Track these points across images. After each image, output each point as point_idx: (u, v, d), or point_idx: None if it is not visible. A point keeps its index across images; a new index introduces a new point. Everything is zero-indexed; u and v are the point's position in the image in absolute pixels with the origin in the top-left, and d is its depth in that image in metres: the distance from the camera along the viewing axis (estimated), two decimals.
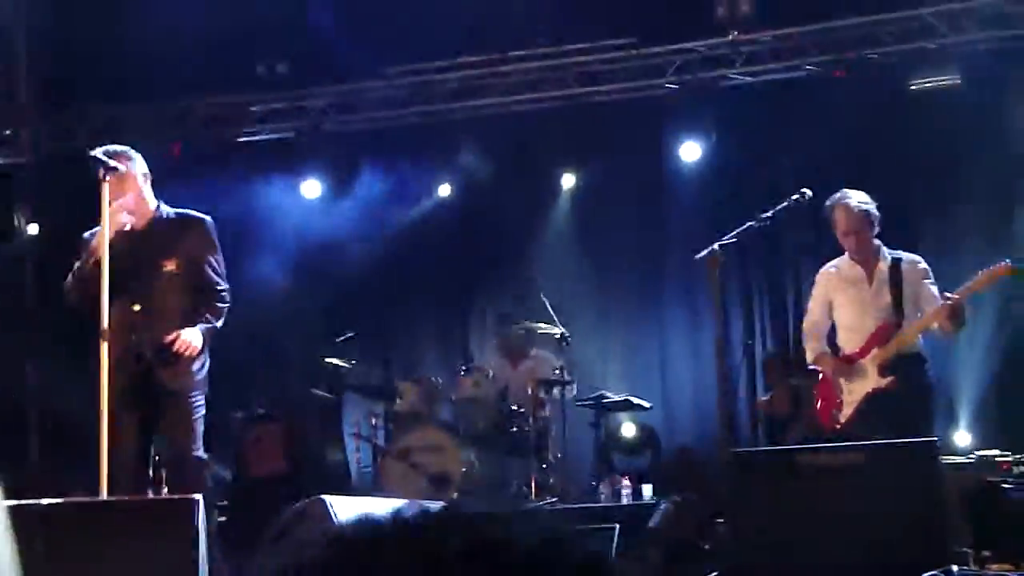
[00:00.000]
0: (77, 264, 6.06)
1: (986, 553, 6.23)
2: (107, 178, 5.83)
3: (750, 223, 6.63)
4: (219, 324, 6.06)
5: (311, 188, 11.50)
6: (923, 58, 10.05)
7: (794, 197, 6.75)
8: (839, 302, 6.96)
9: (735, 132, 10.85)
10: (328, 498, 5.41)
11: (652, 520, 7.14)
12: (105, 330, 5.70)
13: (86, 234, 6.15)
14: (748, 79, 10.57)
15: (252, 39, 10.94)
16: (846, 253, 6.98)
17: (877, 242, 7.00)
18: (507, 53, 11.02)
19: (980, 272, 6.62)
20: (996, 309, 9.87)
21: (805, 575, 5.28)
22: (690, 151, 10.82)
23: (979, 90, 9.95)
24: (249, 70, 11.15)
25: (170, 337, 5.83)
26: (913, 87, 10.04)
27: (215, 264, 6.10)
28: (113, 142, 6.36)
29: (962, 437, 9.73)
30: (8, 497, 3.27)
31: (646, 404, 9.99)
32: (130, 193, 6.04)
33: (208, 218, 6.19)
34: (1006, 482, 6.79)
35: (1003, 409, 9.79)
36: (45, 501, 5.10)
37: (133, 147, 7.79)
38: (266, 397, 10.24)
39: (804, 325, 7.18)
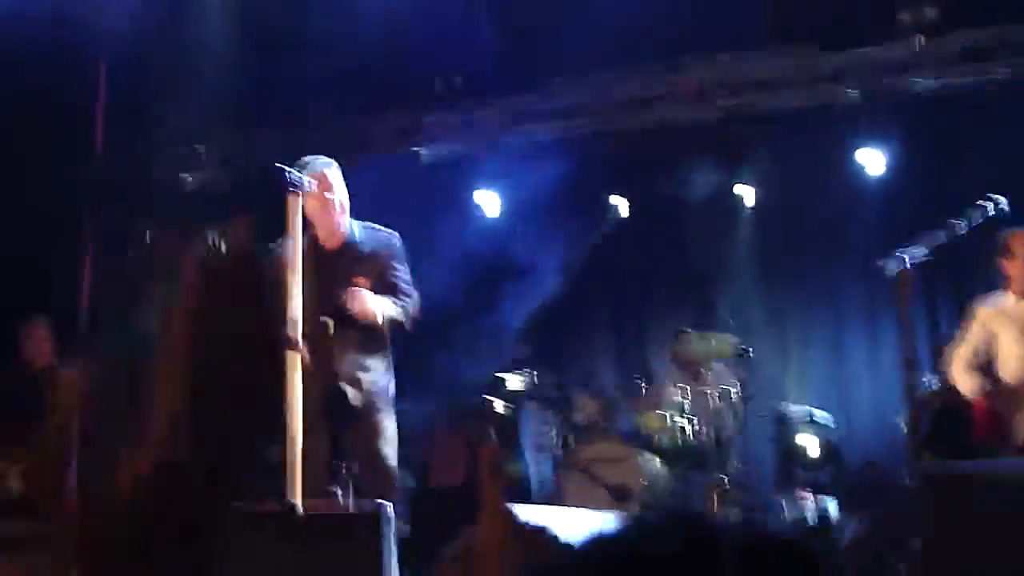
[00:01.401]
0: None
1: None
2: (294, 192, 5.98)
3: (940, 233, 6.39)
4: (404, 318, 6.09)
5: (489, 202, 11.60)
6: None
7: (984, 204, 6.49)
8: (1004, 340, 6.70)
9: (921, 141, 10.54)
10: (513, 507, 5.41)
11: (844, 539, 6.96)
12: (294, 339, 5.82)
13: (271, 244, 6.28)
14: (934, 85, 10.24)
15: (429, 53, 11.09)
16: (1010, 288, 6.66)
17: None
18: (680, 61, 10.92)
19: None
20: None
21: None
22: (873, 160, 10.53)
23: None
24: (427, 85, 11.33)
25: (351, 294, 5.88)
26: None
27: (402, 275, 6.19)
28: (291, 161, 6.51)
29: None
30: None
31: (828, 419, 9.78)
32: (330, 210, 6.19)
33: (396, 234, 6.30)
34: None
35: None
36: (241, 506, 5.25)
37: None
38: (446, 409, 10.34)
39: (959, 359, 6.88)
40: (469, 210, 11.52)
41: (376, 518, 5.01)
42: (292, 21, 10.89)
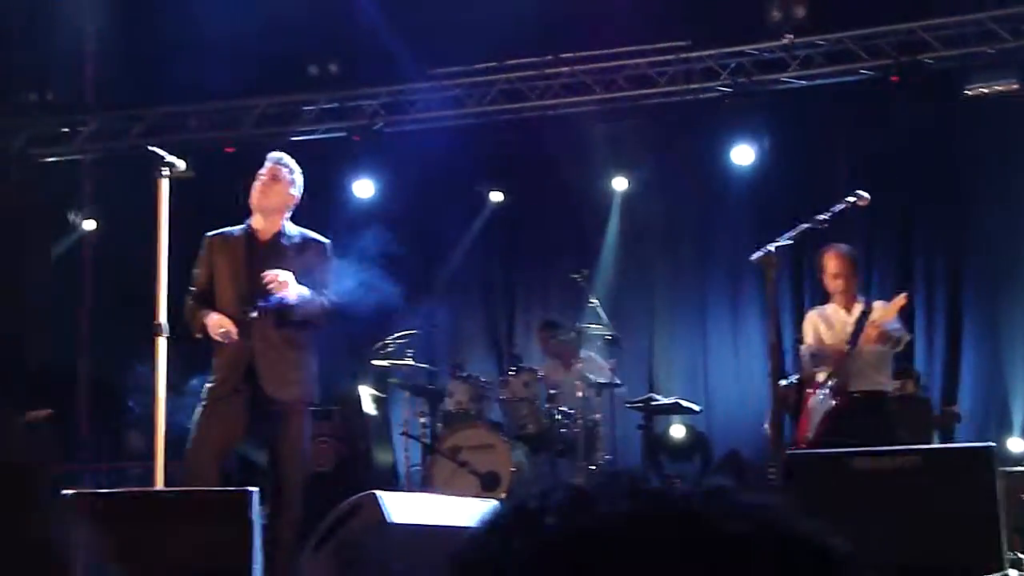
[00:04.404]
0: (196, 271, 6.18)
1: None
2: (164, 174, 5.93)
3: (805, 225, 6.59)
4: (321, 313, 6.08)
5: (364, 188, 11.56)
6: (980, 63, 9.96)
7: (850, 199, 6.70)
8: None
9: (788, 136, 10.81)
10: (380, 494, 5.42)
11: None
12: (159, 324, 5.77)
13: (210, 233, 6.25)
14: (803, 83, 10.52)
15: (305, 40, 11.02)
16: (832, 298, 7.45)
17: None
18: (558, 55, 11.03)
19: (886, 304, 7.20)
20: None
21: None
22: (743, 154, 10.75)
23: None
24: (302, 71, 11.26)
25: (268, 274, 5.88)
26: (969, 92, 9.94)
27: (328, 282, 6.19)
28: (163, 143, 6.46)
29: (1016, 443, 9.64)
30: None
31: (695, 407, 9.96)
32: (274, 202, 6.15)
33: (328, 241, 6.29)
34: None
35: None
36: (105, 491, 5.19)
37: (187, 146, 7.85)
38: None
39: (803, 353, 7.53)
40: (343, 197, 11.45)
41: (241, 502, 4.98)
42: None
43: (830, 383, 7.21)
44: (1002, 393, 10.05)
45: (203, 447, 5.96)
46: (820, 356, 7.24)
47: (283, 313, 5.96)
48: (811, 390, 7.32)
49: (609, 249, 11.38)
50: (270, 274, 5.88)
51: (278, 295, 5.89)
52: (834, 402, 7.16)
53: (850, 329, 7.23)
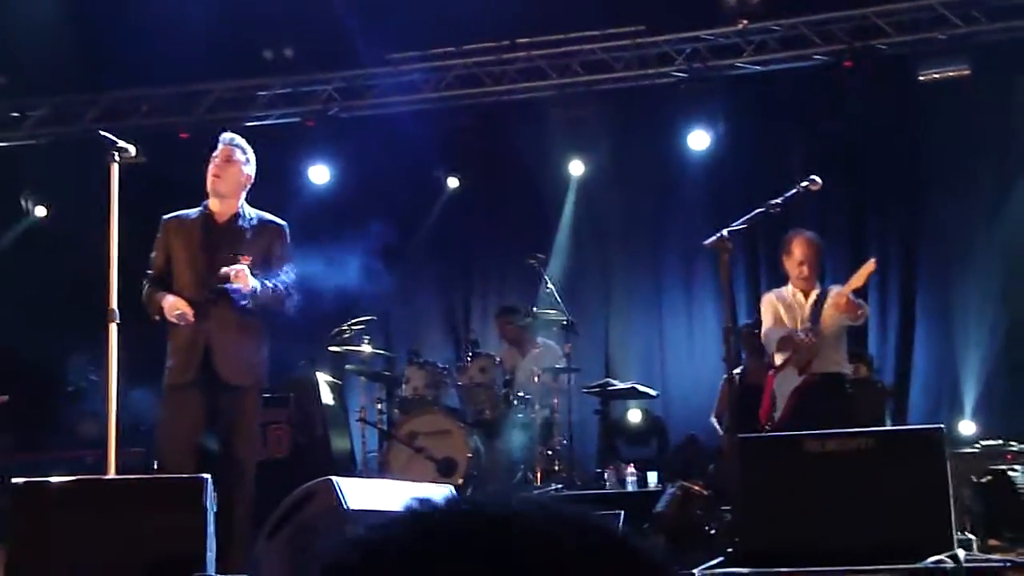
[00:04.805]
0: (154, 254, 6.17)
1: (993, 542, 6.26)
2: (115, 159, 5.90)
3: (759, 209, 6.63)
4: (278, 300, 6.07)
5: (319, 174, 11.51)
6: (933, 49, 10.04)
7: (803, 184, 6.75)
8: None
9: (744, 121, 10.85)
10: (336, 480, 5.41)
11: (658, 506, 7.15)
12: (113, 310, 5.75)
13: (166, 216, 6.22)
14: (757, 68, 10.57)
15: (260, 24, 10.94)
16: (790, 282, 7.45)
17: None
18: (514, 40, 11.03)
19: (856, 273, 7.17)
20: (999, 298, 9.93)
21: (810, 559, 5.28)
22: (698, 139, 10.79)
23: (989, 81, 9.96)
24: (256, 55, 11.18)
25: (225, 270, 5.88)
26: (922, 77, 10.03)
27: (286, 261, 6.18)
28: (116, 128, 6.42)
29: (967, 426, 9.74)
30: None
31: (652, 392, 10.01)
32: (230, 184, 6.12)
33: (285, 224, 6.27)
34: (1013, 470, 6.83)
35: (1009, 398, 9.81)
36: (57, 479, 5.15)
37: (140, 131, 7.74)
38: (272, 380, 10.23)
39: (766, 334, 7.52)
40: (299, 183, 11.39)
41: (194, 488, 4.97)
42: None
43: (791, 365, 7.24)
44: (953, 376, 10.16)
45: (175, 442, 6.02)
46: (784, 338, 7.26)
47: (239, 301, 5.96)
48: (772, 373, 7.35)
49: (565, 234, 11.39)
50: (227, 269, 5.88)
51: (235, 287, 5.89)
52: (798, 383, 7.18)
53: (807, 312, 7.27)
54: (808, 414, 6.89)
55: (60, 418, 10.48)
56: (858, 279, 7.07)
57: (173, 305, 5.93)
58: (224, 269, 5.89)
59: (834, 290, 7.29)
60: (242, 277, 5.89)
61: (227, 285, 5.91)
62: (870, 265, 7.17)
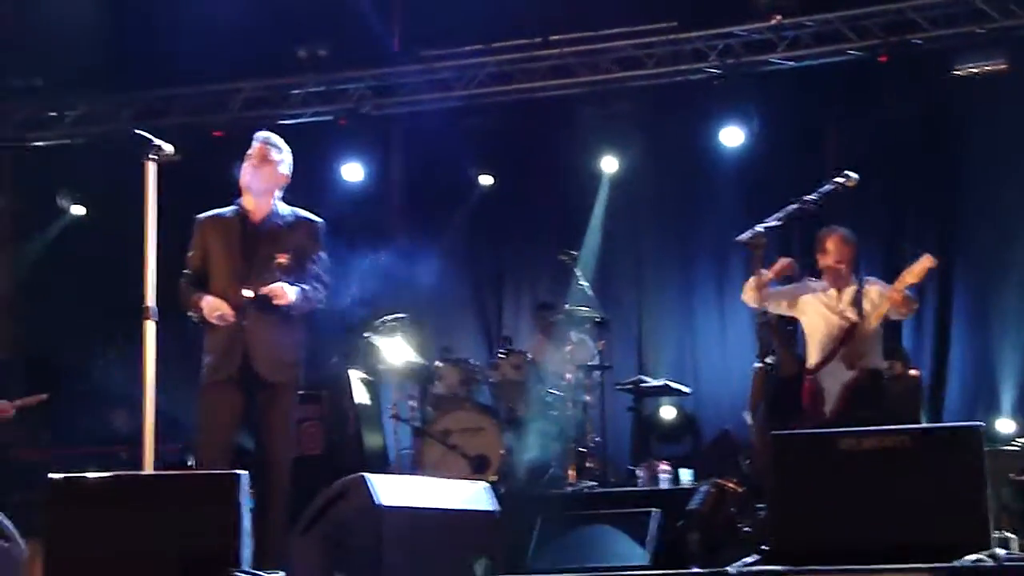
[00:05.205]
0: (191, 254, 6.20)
1: None
2: (150, 158, 5.91)
3: (793, 206, 6.59)
4: (314, 302, 6.11)
5: (352, 172, 11.54)
6: (969, 43, 9.95)
7: (838, 180, 6.70)
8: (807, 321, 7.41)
9: (777, 117, 10.79)
10: (369, 476, 5.42)
11: (692, 503, 7.12)
12: (150, 308, 5.76)
13: (200, 216, 6.25)
14: (791, 64, 10.51)
15: (293, 23, 10.98)
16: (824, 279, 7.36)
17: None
18: (546, 38, 11.02)
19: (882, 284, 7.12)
20: None
21: (846, 557, 5.25)
22: (731, 136, 10.74)
23: None
24: (290, 53, 11.22)
25: (265, 288, 5.91)
26: (959, 72, 9.94)
27: (319, 262, 6.20)
28: (150, 127, 6.44)
29: (1005, 424, 9.66)
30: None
31: (685, 389, 9.98)
32: (266, 182, 6.15)
33: (320, 220, 6.28)
34: None
35: None
36: (93, 475, 5.18)
37: (174, 130, 7.74)
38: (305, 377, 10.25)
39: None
40: (332, 181, 11.42)
41: (230, 485, 4.98)
42: None
43: (835, 360, 7.15)
44: (991, 374, 10.08)
45: (211, 439, 6.04)
46: (826, 335, 7.18)
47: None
48: (813, 367, 7.27)
49: (597, 231, 11.36)
50: (267, 289, 5.91)
51: (277, 303, 5.93)
52: (847, 379, 7.09)
53: (843, 307, 7.19)
54: (861, 410, 6.81)
55: (94, 414, 10.55)
56: (914, 276, 6.84)
57: (213, 306, 5.95)
58: (263, 289, 5.92)
59: (872, 281, 7.21)
60: (281, 295, 5.93)
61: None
62: (927, 260, 6.85)
